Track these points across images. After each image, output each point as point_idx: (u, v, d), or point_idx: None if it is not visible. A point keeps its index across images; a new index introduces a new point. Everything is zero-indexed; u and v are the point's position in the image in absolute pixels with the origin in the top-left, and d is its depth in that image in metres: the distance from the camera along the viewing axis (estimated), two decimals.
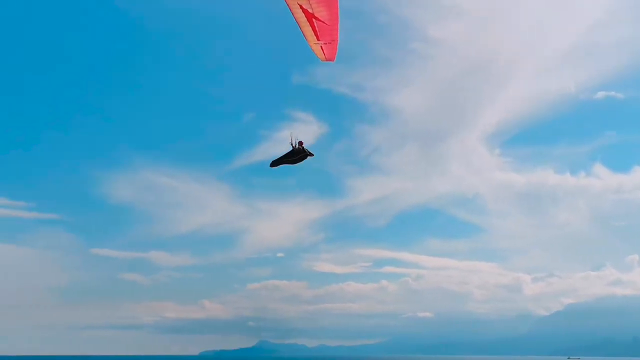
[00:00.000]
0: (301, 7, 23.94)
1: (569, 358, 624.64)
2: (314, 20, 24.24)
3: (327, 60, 25.99)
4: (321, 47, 25.14)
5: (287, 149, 29.99)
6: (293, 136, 28.04)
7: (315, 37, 24.75)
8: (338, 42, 24.44)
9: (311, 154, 27.99)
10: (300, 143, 27.99)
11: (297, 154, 27.87)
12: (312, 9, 24.09)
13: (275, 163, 28.32)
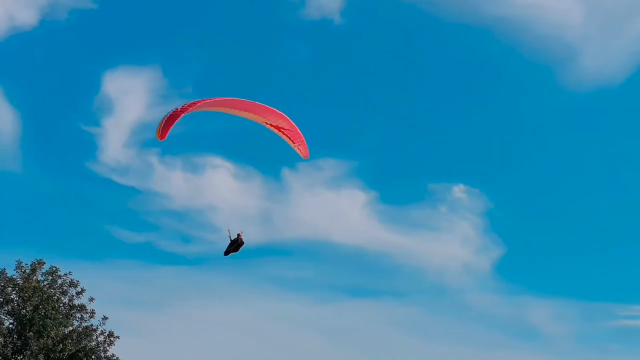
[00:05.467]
0: (266, 124, 29.96)
1: None
2: (281, 130, 30.15)
3: (305, 158, 31.59)
4: (298, 148, 30.65)
5: None
6: (231, 229, 31.41)
7: (291, 142, 30.32)
8: (305, 141, 30.51)
9: (242, 243, 31.33)
10: (239, 234, 31.28)
11: (234, 244, 31.31)
12: (275, 123, 29.99)
13: (226, 253, 31.82)
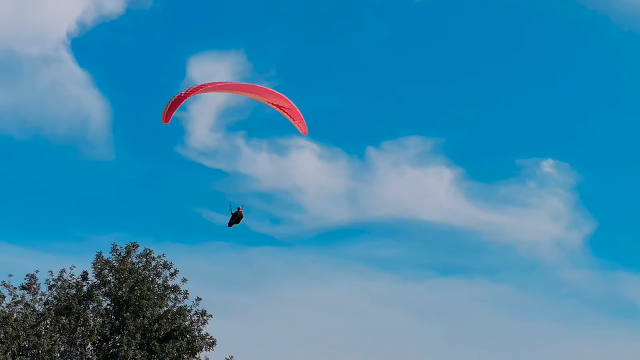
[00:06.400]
0: (268, 102, 30.79)
1: None
2: (282, 109, 30.86)
3: (304, 134, 32.50)
4: (297, 125, 31.40)
5: None
6: (232, 204, 32.79)
7: (292, 119, 31.06)
8: (304, 119, 31.72)
9: (242, 216, 32.60)
10: (239, 208, 32.62)
11: (235, 217, 32.61)
12: (276, 102, 30.74)
13: (229, 225, 33.01)
